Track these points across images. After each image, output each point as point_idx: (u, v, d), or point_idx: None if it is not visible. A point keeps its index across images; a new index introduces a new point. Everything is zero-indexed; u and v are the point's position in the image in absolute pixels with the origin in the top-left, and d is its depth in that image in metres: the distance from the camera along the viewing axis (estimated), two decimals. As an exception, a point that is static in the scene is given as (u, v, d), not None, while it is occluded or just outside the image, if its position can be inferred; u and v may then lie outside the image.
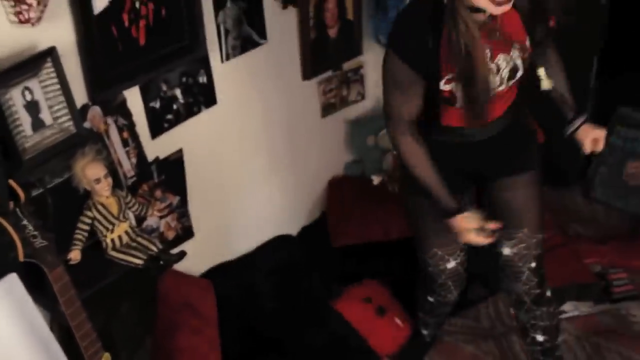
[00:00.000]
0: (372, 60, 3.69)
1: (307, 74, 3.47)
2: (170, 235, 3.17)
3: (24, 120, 2.46)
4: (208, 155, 3.21)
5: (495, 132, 2.61)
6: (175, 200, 3.13)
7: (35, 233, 2.24)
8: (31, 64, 2.44)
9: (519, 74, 2.50)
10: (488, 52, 2.38)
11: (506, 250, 2.82)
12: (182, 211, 3.18)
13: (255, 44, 3.19)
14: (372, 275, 3.56)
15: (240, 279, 3.45)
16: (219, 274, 3.44)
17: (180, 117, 3.04)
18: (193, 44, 2.93)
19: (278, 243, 3.69)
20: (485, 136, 2.60)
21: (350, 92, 3.68)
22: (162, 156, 3.03)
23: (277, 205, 3.63)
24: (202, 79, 3.06)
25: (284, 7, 3.23)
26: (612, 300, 3.50)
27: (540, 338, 2.99)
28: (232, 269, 3.50)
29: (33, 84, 2.47)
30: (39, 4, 2.34)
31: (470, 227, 2.53)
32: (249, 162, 3.43)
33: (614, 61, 3.85)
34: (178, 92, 3.00)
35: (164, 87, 2.94)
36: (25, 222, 2.23)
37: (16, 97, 2.42)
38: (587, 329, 3.39)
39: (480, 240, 2.53)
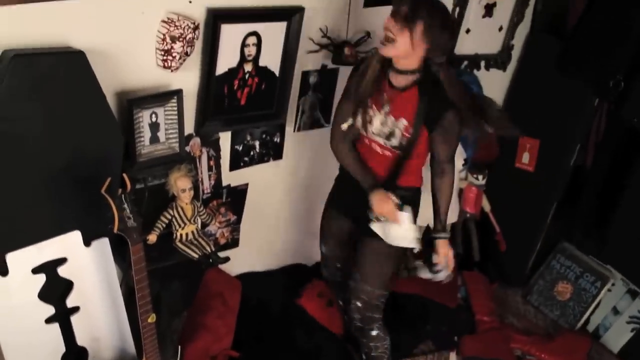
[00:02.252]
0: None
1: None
2: (222, 241, 3.16)
3: (146, 134, 2.50)
4: (265, 192, 3.20)
5: None
6: (233, 218, 3.13)
7: (130, 215, 2.26)
8: (162, 97, 2.50)
9: (394, 141, 2.48)
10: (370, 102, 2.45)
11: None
12: (235, 227, 3.18)
13: (321, 125, 3.20)
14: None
15: (261, 286, 3.42)
16: (248, 278, 3.40)
17: (254, 161, 3.04)
18: (277, 113, 2.94)
19: (294, 268, 3.64)
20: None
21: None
22: (232, 184, 3.02)
23: (305, 242, 3.58)
24: (277, 139, 3.07)
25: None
26: (523, 379, 3.44)
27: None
28: (257, 278, 3.46)
29: (159, 110, 2.51)
30: (180, 57, 2.39)
31: (385, 199, 2.49)
32: (292, 204, 3.41)
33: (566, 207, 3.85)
34: (257, 144, 3.01)
35: (248, 137, 2.96)
36: (125, 205, 2.25)
37: (145, 117, 2.47)
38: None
39: (390, 208, 2.49)
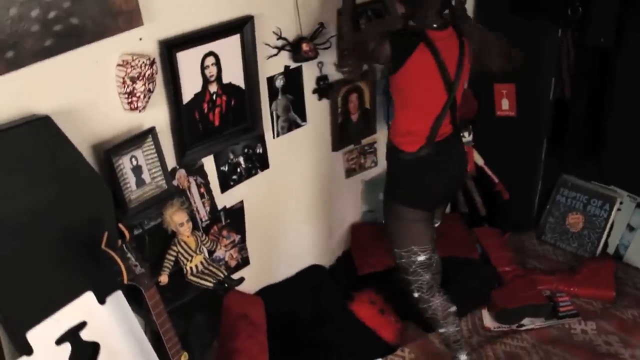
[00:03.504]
0: (382, 137, 3.68)
1: (335, 147, 3.46)
2: (233, 263, 3.15)
3: (131, 179, 2.48)
4: (262, 205, 3.19)
5: None
6: (237, 237, 3.12)
7: (137, 263, 2.25)
8: (137, 139, 2.47)
9: None
10: None
11: None
12: (241, 246, 3.16)
13: (298, 125, 3.19)
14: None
15: (283, 296, 3.41)
16: (268, 292, 3.39)
17: (242, 177, 3.03)
18: (253, 125, 2.93)
19: (312, 271, 3.63)
20: None
21: (366, 160, 3.66)
22: (228, 205, 3.01)
23: (312, 242, 3.59)
24: (259, 150, 3.06)
25: (320, 99, 3.24)
26: (558, 317, 3.43)
27: None
28: (277, 289, 3.45)
29: (138, 153, 2.49)
30: (144, 96, 2.38)
31: None
32: (291, 210, 3.40)
33: (557, 142, 3.86)
34: (241, 160, 2.99)
35: (231, 156, 2.95)
36: (129, 255, 2.24)
37: (126, 163, 2.45)
38: (540, 338, 3.32)
39: None
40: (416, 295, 2.91)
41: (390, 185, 2.82)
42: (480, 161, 3.75)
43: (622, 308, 3.47)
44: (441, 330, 2.98)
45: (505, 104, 3.77)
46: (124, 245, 2.24)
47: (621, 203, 3.85)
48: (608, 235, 3.87)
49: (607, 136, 3.73)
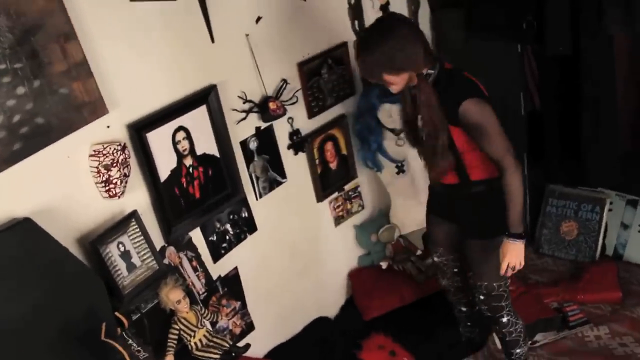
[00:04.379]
0: (365, 180, 3.72)
1: (319, 198, 3.47)
2: (237, 331, 3.12)
3: (121, 265, 2.47)
4: (257, 267, 3.18)
5: None
6: (237, 304, 3.10)
7: (139, 348, 2.24)
8: (121, 224, 2.48)
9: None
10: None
11: None
12: (243, 312, 3.15)
13: (279, 183, 3.21)
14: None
15: (292, 355, 3.38)
16: (277, 353, 3.36)
17: (232, 244, 3.03)
18: (234, 191, 2.94)
19: (318, 324, 3.61)
20: None
21: (352, 205, 3.68)
22: (223, 274, 3.00)
23: (313, 295, 3.58)
24: (244, 214, 3.07)
25: (296, 153, 3.27)
26: (569, 327, 3.42)
27: None
28: (286, 348, 3.42)
29: (124, 238, 2.49)
30: (121, 182, 2.39)
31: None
32: (287, 267, 3.39)
33: (538, 153, 3.89)
34: (228, 226, 3.00)
35: (217, 225, 2.95)
36: (130, 341, 2.24)
37: (113, 250, 2.45)
38: (556, 352, 3.31)
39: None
40: (505, 319, 2.95)
41: (497, 218, 2.66)
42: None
43: (631, 307, 3.47)
44: (518, 350, 3.04)
45: (478, 126, 3.80)
46: (123, 333, 2.24)
47: (611, 203, 3.87)
48: (604, 237, 3.87)
49: (584, 139, 3.77)
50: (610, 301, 3.53)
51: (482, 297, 2.89)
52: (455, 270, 3.10)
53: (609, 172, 3.82)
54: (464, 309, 3.26)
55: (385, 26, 2.44)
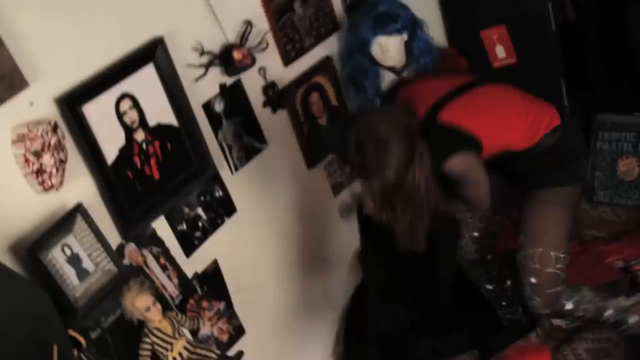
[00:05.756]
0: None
1: (310, 164, 3.49)
2: (225, 337, 3.15)
3: (69, 273, 2.48)
4: (241, 258, 3.20)
5: None
6: (221, 305, 3.13)
7: (103, 372, 2.26)
8: (63, 223, 2.47)
9: None
10: None
11: None
12: (229, 314, 3.17)
13: (258, 151, 3.22)
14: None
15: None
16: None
17: (207, 231, 3.05)
18: (202, 166, 2.95)
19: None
20: None
21: (353, 168, 3.69)
22: (200, 270, 3.02)
23: (314, 285, 3.61)
24: (219, 194, 3.08)
25: (274, 111, 3.27)
26: (641, 289, 3.44)
27: None
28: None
29: (69, 239, 2.49)
30: (57, 170, 2.39)
31: None
32: (279, 253, 3.42)
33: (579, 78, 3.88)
34: (200, 211, 3.01)
35: (187, 210, 2.96)
36: (91, 364, 2.25)
37: (57, 256, 2.45)
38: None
39: None
40: (570, 306, 3.00)
41: (570, 165, 2.92)
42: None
43: None
44: (606, 313, 3.08)
45: (500, 51, 3.79)
46: (81, 355, 2.26)
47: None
48: (674, 173, 3.89)
49: (634, 55, 3.75)
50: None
51: (532, 280, 2.88)
52: (476, 234, 3.15)
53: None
54: (489, 286, 3.29)
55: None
